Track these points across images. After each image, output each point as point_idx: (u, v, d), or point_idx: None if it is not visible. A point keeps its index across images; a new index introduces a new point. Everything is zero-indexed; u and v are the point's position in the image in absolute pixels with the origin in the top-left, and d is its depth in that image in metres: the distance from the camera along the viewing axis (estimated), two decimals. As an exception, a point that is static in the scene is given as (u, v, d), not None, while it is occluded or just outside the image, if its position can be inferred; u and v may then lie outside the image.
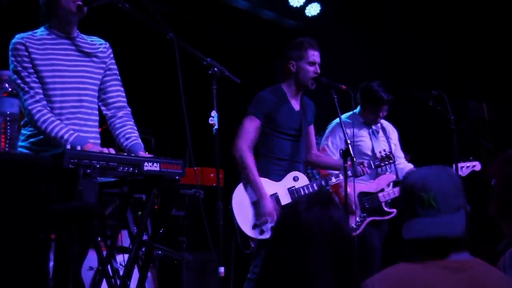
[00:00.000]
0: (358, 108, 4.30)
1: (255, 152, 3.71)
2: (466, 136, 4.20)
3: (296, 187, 3.70)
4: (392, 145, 4.32)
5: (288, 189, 3.68)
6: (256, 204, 3.56)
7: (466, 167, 4.24)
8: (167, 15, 3.36)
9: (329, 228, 1.41)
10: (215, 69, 2.91)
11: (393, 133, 4.42)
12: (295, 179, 3.71)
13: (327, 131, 4.28)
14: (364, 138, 4.20)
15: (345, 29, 6.29)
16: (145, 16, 2.74)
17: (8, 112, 2.02)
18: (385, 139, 4.31)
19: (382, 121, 4.35)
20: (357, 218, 4.01)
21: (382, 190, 4.09)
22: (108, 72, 2.97)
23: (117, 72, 3.02)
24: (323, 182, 3.76)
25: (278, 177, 3.69)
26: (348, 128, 4.01)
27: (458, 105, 4.38)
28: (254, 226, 3.54)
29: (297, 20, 6.54)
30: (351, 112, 4.21)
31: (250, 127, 3.67)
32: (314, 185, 3.73)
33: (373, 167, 3.86)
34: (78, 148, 2.33)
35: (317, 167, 5.01)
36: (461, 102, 5.25)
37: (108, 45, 3.00)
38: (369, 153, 4.16)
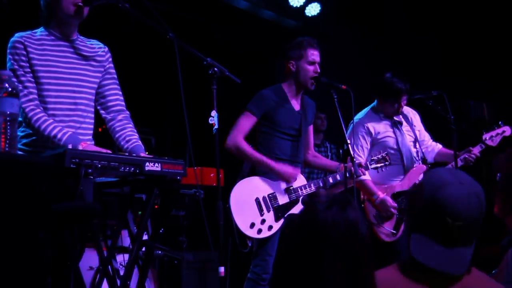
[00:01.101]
0: (375, 103, 4.23)
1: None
2: (466, 136, 4.19)
3: (294, 186, 3.70)
4: (416, 132, 4.25)
5: (286, 188, 3.68)
6: (278, 178, 3.62)
7: (496, 135, 4.16)
8: (167, 15, 3.35)
9: (345, 229, 1.40)
10: (215, 69, 2.90)
11: (415, 118, 4.34)
12: None
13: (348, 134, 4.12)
14: (388, 133, 4.13)
15: (345, 29, 6.29)
16: (145, 16, 2.73)
17: (8, 112, 2.01)
18: (409, 127, 4.23)
19: (404, 108, 4.25)
20: (395, 222, 3.98)
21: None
22: (106, 76, 2.97)
23: (116, 76, 3.01)
24: (320, 182, 3.75)
25: (276, 177, 3.69)
26: (371, 125, 4.07)
27: (458, 105, 4.38)
28: (252, 225, 3.54)
29: (297, 20, 6.55)
30: (367, 109, 4.21)
31: (245, 123, 3.68)
32: (312, 184, 3.73)
33: (369, 168, 3.84)
34: (70, 146, 2.33)
35: (313, 168, 5.02)
36: (461, 102, 5.25)
37: (107, 49, 3.00)
38: (395, 146, 4.10)
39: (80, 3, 2.73)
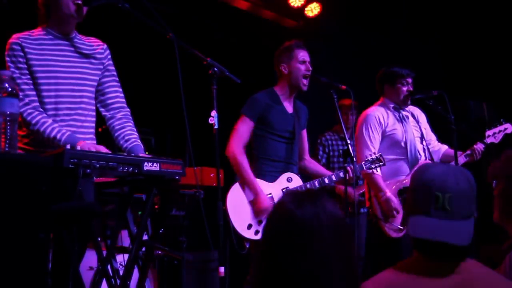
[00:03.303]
0: (381, 100, 4.24)
1: (249, 154, 3.72)
2: (466, 136, 4.19)
3: (290, 188, 3.69)
4: (423, 129, 4.25)
5: (282, 190, 3.68)
6: (253, 202, 3.57)
7: (498, 132, 4.19)
8: (167, 15, 3.36)
9: (327, 220, 1.37)
10: (215, 69, 2.90)
11: (421, 116, 4.35)
12: (289, 180, 3.71)
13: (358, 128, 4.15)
14: (396, 126, 4.13)
15: (345, 29, 6.29)
16: (145, 16, 2.73)
17: (8, 112, 2.01)
18: (416, 123, 4.24)
19: (409, 106, 4.27)
20: (402, 217, 3.96)
21: None
22: (106, 73, 2.95)
23: (115, 73, 3.00)
24: (316, 183, 3.74)
25: (272, 178, 3.69)
26: (381, 116, 4.08)
27: (458, 105, 4.38)
28: (249, 227, 3.54)
29: (297, 20, 6.54)
30: (378, 104, 4.22)
31: (243, 129, 3.68)
32: (308, 186, 3.73)
33: (364, 169, 3.83)
34: (78, 148, 2.33)
35: (307, 173, 5.03)
36: (461, 102, 5.25)
37: (105, 46, 2.99)
38: (403, 139, 4.09)
39: (79, 2, 2.72)
